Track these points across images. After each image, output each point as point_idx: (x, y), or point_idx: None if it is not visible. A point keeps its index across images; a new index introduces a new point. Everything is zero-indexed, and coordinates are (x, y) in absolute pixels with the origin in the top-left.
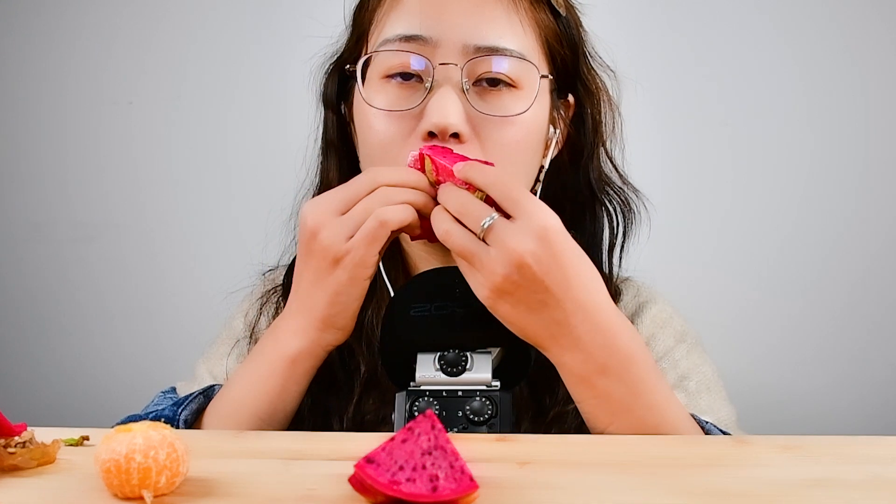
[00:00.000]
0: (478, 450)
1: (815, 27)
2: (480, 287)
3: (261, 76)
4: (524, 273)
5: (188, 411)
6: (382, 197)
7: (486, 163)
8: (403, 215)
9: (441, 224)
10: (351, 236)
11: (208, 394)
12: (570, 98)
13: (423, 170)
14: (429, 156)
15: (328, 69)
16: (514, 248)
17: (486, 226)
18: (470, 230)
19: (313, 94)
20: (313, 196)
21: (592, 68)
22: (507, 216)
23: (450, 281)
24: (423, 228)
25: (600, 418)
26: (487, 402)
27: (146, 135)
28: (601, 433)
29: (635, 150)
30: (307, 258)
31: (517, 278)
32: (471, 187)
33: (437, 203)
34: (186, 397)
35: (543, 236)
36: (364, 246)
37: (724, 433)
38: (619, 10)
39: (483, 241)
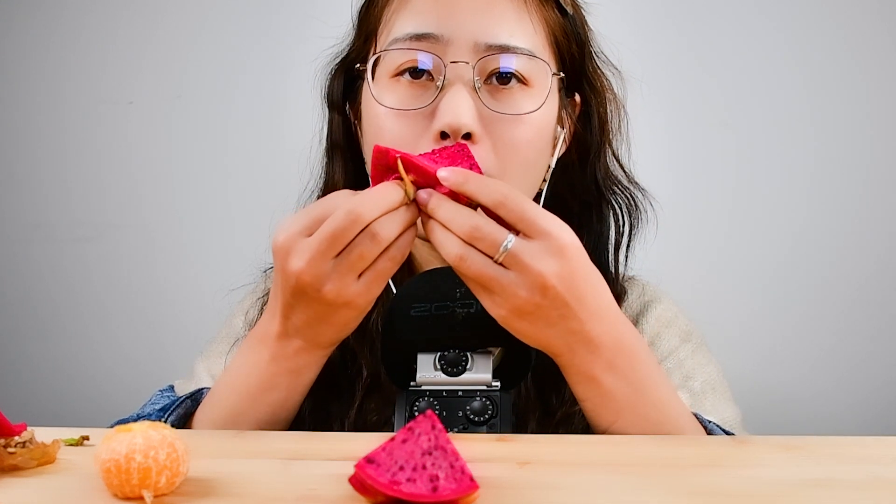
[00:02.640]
0: (478, 450)
1: (820, 27)
2: (498, 308)
3: (261, 76)
4: (547, 294)
5: (174, 417)
6: (380, 237)
7: (465, 153)
8: (409, 241)
9: (452, 249)
10: (356, 278)
11: (196, 398)
12: (577, 97)
13: (392, 165)
14: (402, 158)
15: (333, 69)
16: (540, 271)
17: (505, 250)
18: (485, 253)
19: (316, 95)
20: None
21: (598, 67)
22: (516, 231)
23: (450, 281)
24: None
25: (604, 416)
26: (488, 403)
27: (146, 135)
28: (604, 431)
29: (641, 149)
30: (305, 304)
31: (540, 300)
32: (461, 197)
33: (416, 204)
34: (174, 401)
35: (563, 255)
36: (378, 287)
37: (728, 433)
38: (624, 8)
39: (500, 263)
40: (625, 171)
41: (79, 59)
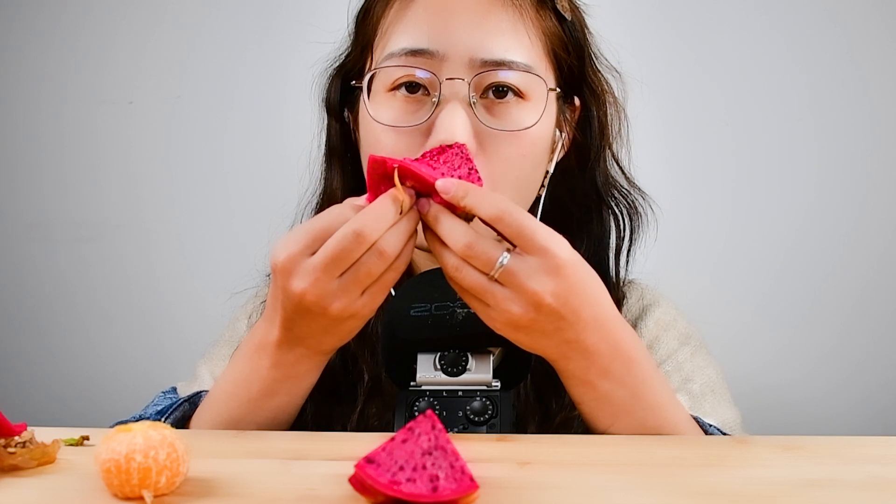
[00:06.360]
0: (478, 450)
1: (820, 27)
2: (493, 321)
3: (261, 76)
4: (542, 310)
5: (171, 420)
6: (387, 254)
7: (464, 156)
8: (411, 249)
9: (448, 259)
10: (361, 292)
11: (195, 401)
12: (576, 100)
13: (390, 174)
14: (400, 166)
15: (331, 75)
16: (534, 290)
17: (500, 267)
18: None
19: (314, 98)
20: (318, 206)
21: (598, 70)
22: (514, 245)
23: None
24: None
25: (601, 419)
26: (488, 403)
27: (146, 135)
28: (601, 434)
29: (641, 151)
30: (309, 319)
31: (534, 315)
32: (458, 207)
33: (417, 208)
34: (171, 404)
35: (560, 273)
36: (382, 296)
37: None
38: (624, 9)
39: (495, 279)
40: (625, 175)
41: (79, 59)
